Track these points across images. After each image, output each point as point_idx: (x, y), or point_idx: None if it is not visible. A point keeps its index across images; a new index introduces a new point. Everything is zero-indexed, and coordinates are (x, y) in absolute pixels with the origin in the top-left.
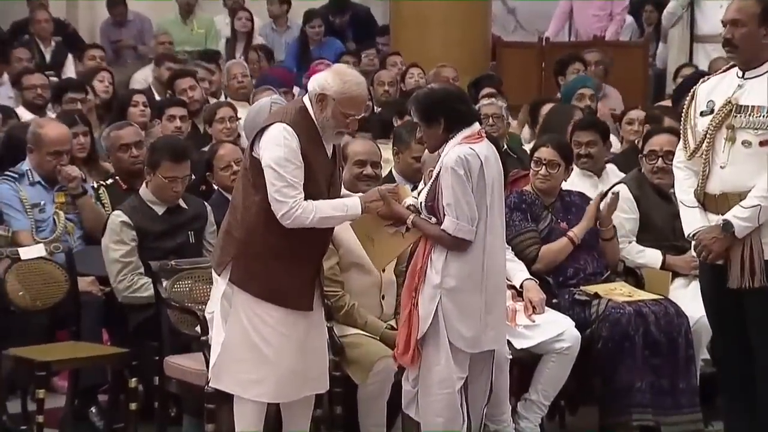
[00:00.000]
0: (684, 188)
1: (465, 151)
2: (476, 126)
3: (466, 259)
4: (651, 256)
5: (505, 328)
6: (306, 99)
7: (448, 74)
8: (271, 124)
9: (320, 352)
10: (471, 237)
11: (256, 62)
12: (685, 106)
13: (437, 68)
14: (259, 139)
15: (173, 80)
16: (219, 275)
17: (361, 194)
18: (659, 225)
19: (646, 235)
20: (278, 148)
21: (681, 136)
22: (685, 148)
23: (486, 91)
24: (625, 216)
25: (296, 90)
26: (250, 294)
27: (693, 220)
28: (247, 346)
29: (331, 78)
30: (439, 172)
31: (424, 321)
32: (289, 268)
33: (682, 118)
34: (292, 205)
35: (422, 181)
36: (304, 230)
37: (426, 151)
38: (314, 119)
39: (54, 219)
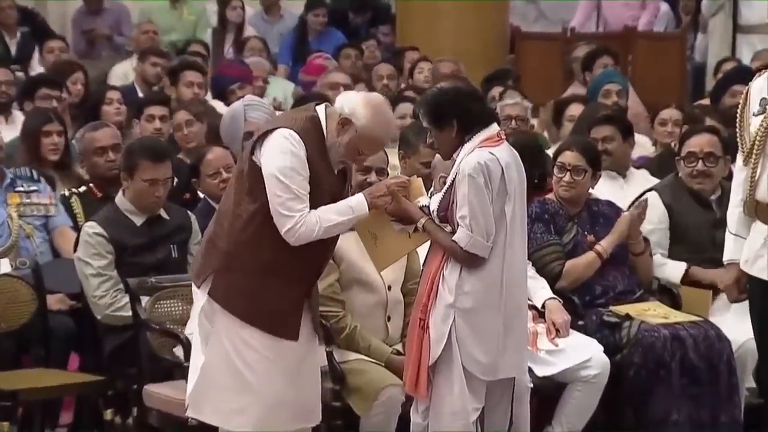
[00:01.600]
0: (734, 202)
1: (484, 156)
2: (494, 127)
3: (483, 276)
4: (672, 269)
5: (526, 353)
6: (320, 110)
7: (446, 69)
8: (277, 128)
9: (313, 381)
10: (485, 253)
11: (258, 54)
12: (740, 105)
13: (435, 63)
14: (261, 144)
15: (179, 71)
16: (198, 287)
17: (366, 190)
18: (696, 236)
19: (681, 248)
20: (284, 156)
21: (738, 137)
22: (742, 151)
23: (499, 89)
24: (651, 227)
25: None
26: (231, 313)
27: (728, 249)
28: (228, 371)
29: (363, 107)
30: (455, 179)
31: (436, 345)
32: (277, 287)
33: (737, 118)
34: (297, 219)
35: (432, 189)
36: (299, 247)
37: (436, 155)
38: (325, 134)
39: (7, 223)
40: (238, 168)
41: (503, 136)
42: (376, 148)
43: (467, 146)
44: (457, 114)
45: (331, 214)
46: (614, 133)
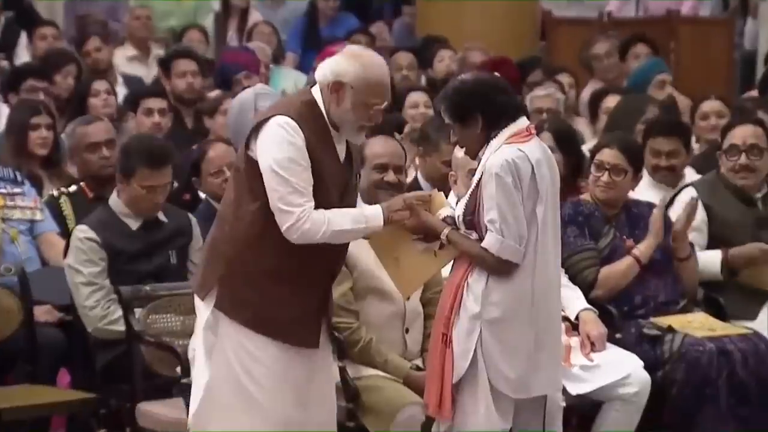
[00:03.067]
0: None
1: (512, 153)
2: (523, 121)
3: (512, 284)
4: (706, 260)
5: (559, 369)
6: (315, 90)
7: (477, 59)
8: (270, 117)
9: (326, 399)
10: (518, 259)
11: (267, 39)
12: None
13: (464, 51)
14: (255, 136)
15: (170, 60)
16: (202, 300)
17: (383, 203)
18: (738, 235)
19: (720, 248)
20: (280, 147)
21: None
22: None
23: (535, 76)
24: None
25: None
26: (239, 323)
27: None
28: (234, 387)
29: (346, 62)
30: (480, 179)
31: (461, 361)
32: (289, 293)
33: None
34: (299, 215)
35: (452, 191)
36: (312, 247)
37: (455, 152)
38: (324, 115)
39: None
40: (236, 166)
41: (533, 131)
42: (382, 93)
43: (494, 142)
44: (481, 107)
45: (343, 218)
46: (680, 146)
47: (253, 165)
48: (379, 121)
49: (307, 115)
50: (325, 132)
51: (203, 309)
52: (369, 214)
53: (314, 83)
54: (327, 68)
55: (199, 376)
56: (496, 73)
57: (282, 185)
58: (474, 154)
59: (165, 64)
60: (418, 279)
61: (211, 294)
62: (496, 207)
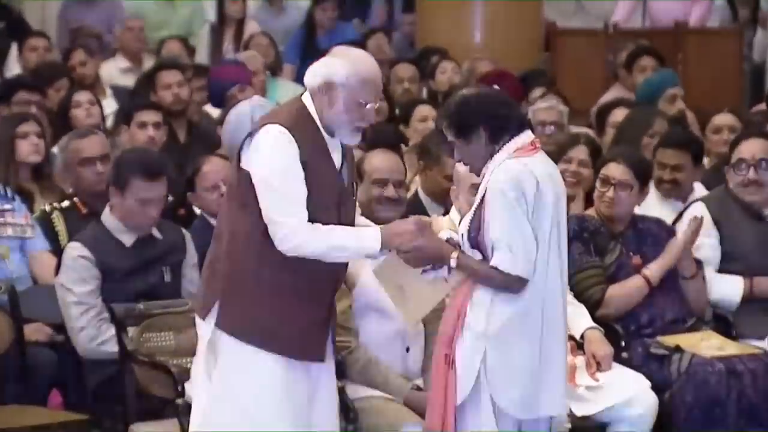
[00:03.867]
0: None
1: (516, 167)
2: (527, 135)
3: (517, 301)
4: (728, 285)
5: (565, 389)
6: (306, 97)
7: (485, 69)
8: (262, 126)
9: (328, 418)
10: (528, 275)
11: (265, 50)
12: None
13: (472, 62)
14: (247, 147)
15: (154, 73)
16: (203, 320)
17: (382, 227)
18: (748, 251)
19: (731, 265)
20: (272, 157)
21: None
22: None
23: (539, 91)
24: (699, 242)
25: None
26: (241, 341)
27: None
28: (235, 408)
29: (335, 62)
30: (484, 195)
31: (465, 381)
32: (292, 306)
33: None
34: (292, 226)
35: (453, 206)
36: (308, 261)
37: (455, 167)
38: (317, 120)
39: None
40: (229, 181)
41: (538, 145)
42: (375, 89)
43: (498, 157)
44: (484, 120)
45: (338, 236)
46: (687, 161)
47: (246, 178)
48: (372, 121)
49: (299, 123)
50: (319, 139)
51: (205, 328)
52: (366, 235)
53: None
54: (316, 71)
55: (200, 396)
56: (496, 87)
57: (276, 195)
58: (478, 170)
59: (149, 78)
60: (424, 307)
61: (212, 313)
62: (501, 224)
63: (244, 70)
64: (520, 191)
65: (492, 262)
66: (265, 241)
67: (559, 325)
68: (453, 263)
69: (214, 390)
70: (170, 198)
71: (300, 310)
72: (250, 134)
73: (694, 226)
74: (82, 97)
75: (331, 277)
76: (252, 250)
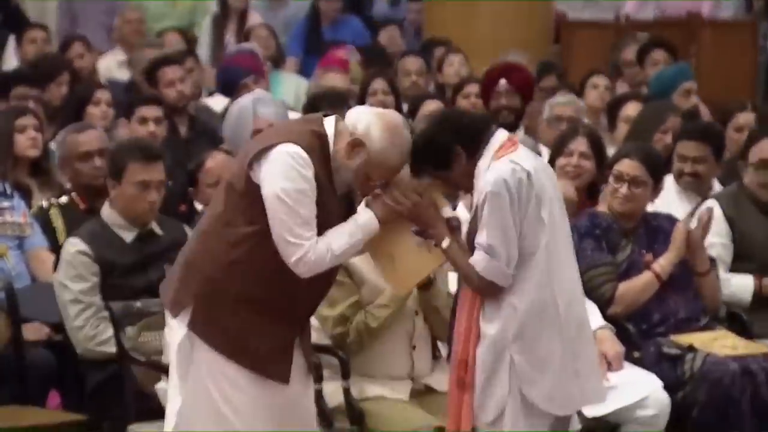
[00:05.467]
0: None
1: (504, 167)
2: (502, 133)
3: (532, 294)
4: (738, 285)
5: (600, 378)
6: (329, 124)
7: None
8: (280, 143)
9: (307, 425)
10: (505, 282)
11: (266, 42)
12: None
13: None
14: (259, 160)
15: (156, 68)
16: (175, 317)
17: (372, 205)
18: (762, 250)
19: (745, 264)
20: (290, 177)
21: None
22: None
23: (549, 81)
24: (710, 240)
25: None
26: (213, 349)
27: None
28: (210, 414)
29: (380, 129)
30: (478, 201)
31: (495, 400)
32: (266, 323)
33: None
34: (307, 248)
35: (462, 204)
36: (295, 280)
37: None
38: (331, 151)
39: None
40: (230, 181)
41: (516, 140)
42: (388, 176)
43: (482, 163)
44: (456, 141)
45: (340, 237)
46: (708, 153)
47: (253, 188)
48: (367, 194)
49: (316, 148)
50: (328, 167)
51: (176, 327)
52: (362, 223)
53: (333, 100)
54: (361, 121)
55: (173, 401)
56: (504, 80)
57: (290, 216)
58: (469, 188)
59: (150, 74)
60: (413, 276)
61: (185, 311)
62: (487, 228)
63: (259, 61)
64: (511, 191)
65: (471, 259)
66: (257, 252)
67: (580, 311)
68: (445, 245)
69: (190, 393)
70: (170, 183)
71: (273, 329)
72: (267, 148)
73: (705, 219)
74: (103, 95)
75: (307, 301)
76: (240, 259)
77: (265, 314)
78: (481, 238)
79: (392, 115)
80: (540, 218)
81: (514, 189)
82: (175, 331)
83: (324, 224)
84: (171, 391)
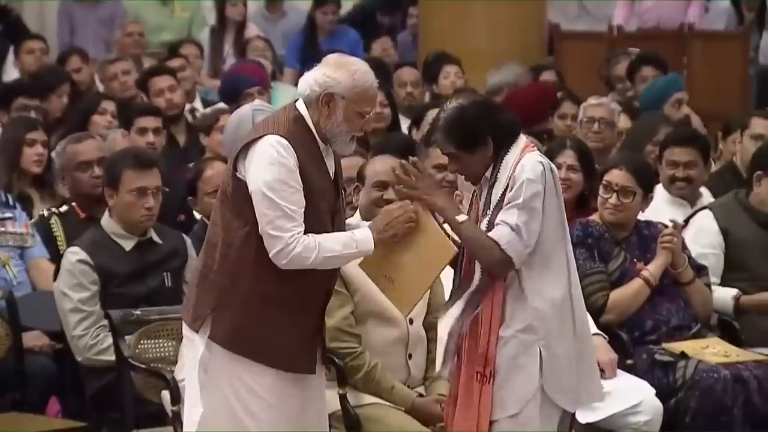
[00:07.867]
0: None
1: (539, 160)
2: (523, 138)
3: (552, 291)
4: (718, 300)
5: (599, 377)
6: (300, 105)
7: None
8: (260, 137)
9: (320, 430)
10: (519, 262)
11: (263, 54)
12: None
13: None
14: (243, 156)
15: (147, 78)
16: (197, 332)
17: (370, 224)
18: (756, 262)
19: (738, 275)
20: (271, 168)
21: None
22: None
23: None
24: (703, 250)
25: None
26: (235, 353)
27: None
28: (228, 420)
29: (333, 72)
30: (504, 193)
31: (525, 388)
32: (284, 318)
33: None
34: (288, 240)
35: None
36: (303, 272)
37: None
38: (313, 130)
39: None
40: (223, 188)
41: (533, 144)
42: (373, 98)
43: (509, 157)
44: (492, 130)
45: (333, 243)
46: (698, 157)
47: (241, 187)
48: (369, 129)
49: (297, 133)
50: (315, 148)
51: (198, 342)
52: (359, 238)
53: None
54: (312, 81)
55: (192, 410)
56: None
57: (271, 209)
58: (477, 179)
59: (143, 84)
60: (414, 295)
61: (206, 325)
62: (518, 208)
63: (266, 73)
64: (550, 183)
65: (492, 234)
66: (259, 252)
67: (583, 312)
68: (461, 218)
69: (208, 402)
70: (167, 189)
71: (291, 323)
72: (248, 144)
73: (675, 231)
74: (109, 106)
75: (322, 288)
76: (247, 261)
77: (281, 310)
78: (510, 217)
79: (330, 57)
80: (561, 213)
81: (550, 181)
82: (197, 344)
83: (315, 209)
84: (190, 401)
